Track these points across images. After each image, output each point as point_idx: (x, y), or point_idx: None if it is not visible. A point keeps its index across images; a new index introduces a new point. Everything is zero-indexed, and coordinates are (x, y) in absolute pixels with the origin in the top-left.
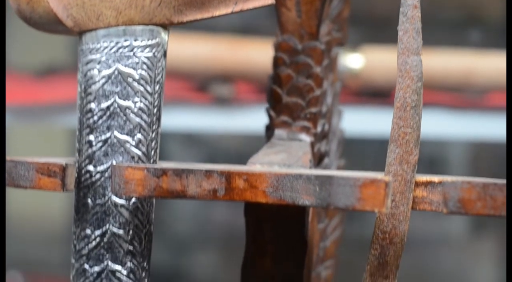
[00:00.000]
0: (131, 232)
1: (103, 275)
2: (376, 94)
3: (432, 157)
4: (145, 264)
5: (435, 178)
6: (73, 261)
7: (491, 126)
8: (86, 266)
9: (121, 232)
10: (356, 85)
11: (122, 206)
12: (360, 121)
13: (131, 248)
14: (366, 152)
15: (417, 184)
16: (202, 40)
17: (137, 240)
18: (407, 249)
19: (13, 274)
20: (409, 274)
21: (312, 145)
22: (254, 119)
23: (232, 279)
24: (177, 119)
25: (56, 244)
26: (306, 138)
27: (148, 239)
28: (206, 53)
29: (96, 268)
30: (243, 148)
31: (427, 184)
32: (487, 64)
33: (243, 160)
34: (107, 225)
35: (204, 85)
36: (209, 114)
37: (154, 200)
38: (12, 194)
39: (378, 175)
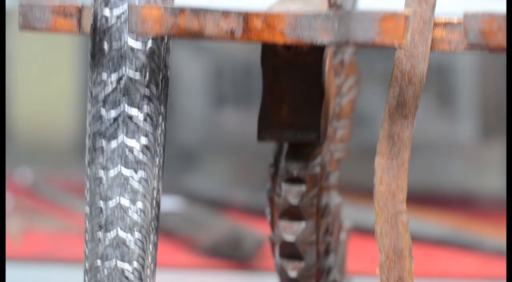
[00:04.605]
0: (147, 75)
1: (119, 120)
2: None
3: None
4: (161, 108)
5: (455, 19)
6: (89, 107)
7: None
8: (103, 111)
9: (137, 76)
10: None
11: (138, 49)
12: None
13: (147, 92)
14: None
15: (436, 24)
16: None
17: (153, 84)
18: (414, 153)
19: (22, 170)
20: (415, 177)
21: None
22: None
23: (241, 185)
24: None
25: (67, 149)
26: None
27: (164, 84)
28: None
29: (113, 113)
30: None
31: (446, 24)
32: None
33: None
34: (124, 69)
35: None
36: None
37: (170, 45)
38: (22, 100)
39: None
